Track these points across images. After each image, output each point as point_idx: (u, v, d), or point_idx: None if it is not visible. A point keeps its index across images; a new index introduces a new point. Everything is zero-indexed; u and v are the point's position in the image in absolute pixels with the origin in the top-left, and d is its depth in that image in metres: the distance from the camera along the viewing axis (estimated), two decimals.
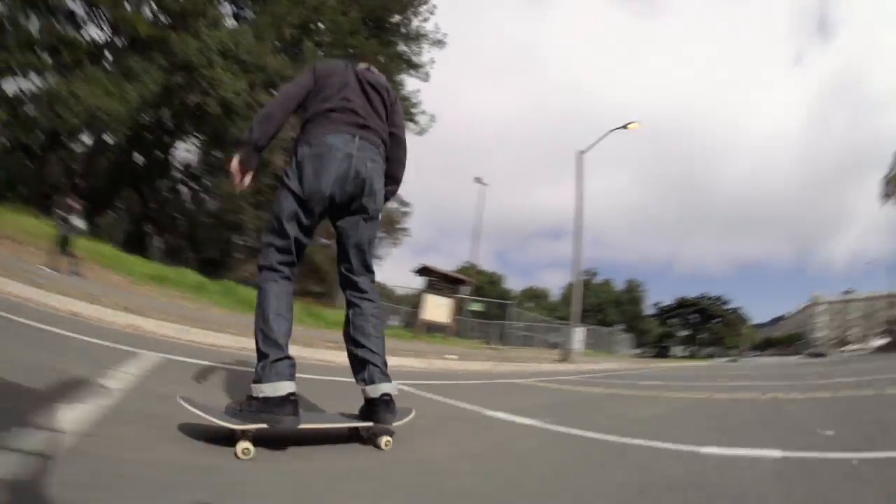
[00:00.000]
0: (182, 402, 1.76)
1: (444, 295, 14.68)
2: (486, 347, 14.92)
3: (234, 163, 2.08)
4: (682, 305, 74.24)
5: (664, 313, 74.58)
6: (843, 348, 63.02)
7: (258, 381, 1.79)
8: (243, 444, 1.64)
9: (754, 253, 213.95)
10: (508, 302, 19.82)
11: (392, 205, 29.41)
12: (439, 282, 15.29)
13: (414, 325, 15.12)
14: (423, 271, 15.18)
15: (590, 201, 16.83)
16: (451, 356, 8.75)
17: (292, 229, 2.01)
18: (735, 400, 5.34)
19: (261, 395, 1.76)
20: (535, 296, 71.10)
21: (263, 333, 1.88)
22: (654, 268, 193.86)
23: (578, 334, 17.11)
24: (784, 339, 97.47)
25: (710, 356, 58.77)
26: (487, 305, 19.94)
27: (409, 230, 31.38)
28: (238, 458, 1.62)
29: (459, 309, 17.81)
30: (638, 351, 43.07)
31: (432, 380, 5.49)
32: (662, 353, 59.88)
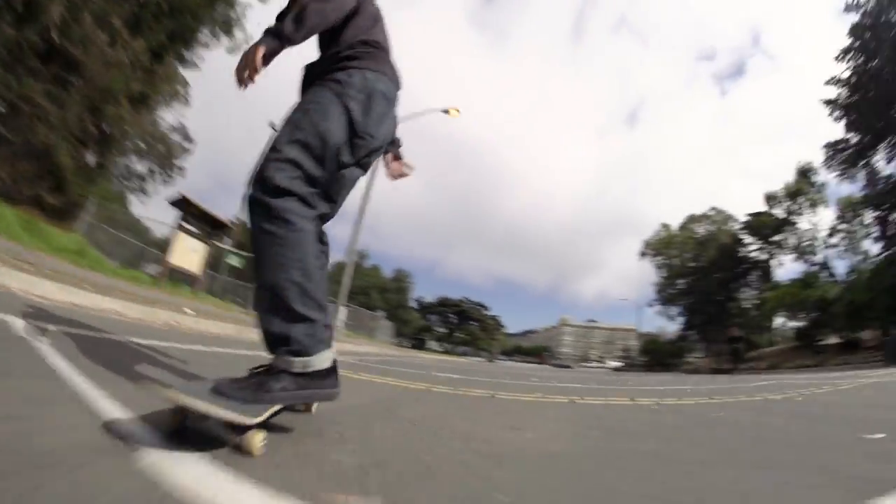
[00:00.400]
0: (156, 387, 1.28)
1: (199, 239, 12.35)
2: (240, 311, 13.20)
3: (259, 55, 1.47)
4: (445, 304, 79.95)
5: (426, 308, 79.42)
6: (583, 364, 76.52)
7: (302, 352, 1.37)
8: (260, 435, 1.21)
9: (516, 274, 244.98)
10: None
11: (175, 137, 25.23)
12: (197, 220, 12.47)
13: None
14: (181, 203, 12.25)
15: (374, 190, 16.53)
16: (188, 310, 7.15)
17: (332, 162, 1.51)
18: (624, 406, 4.24)
19: (309, 370, 1.38)
20: None
21: (302, 289, 1.38)
22: (420, 265, 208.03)
23: (342, 313, 16.88)
24: (533, 350, 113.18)
25: (465, 354, 64.68)
26: (248, 264, 16.79)
27: (186, 170, 26.70)
28: (255, 455, 1.18)
29: (215, 261, 15.55)
30: (396, 339, 44.98)
31: (140, 336, 3.60)
32: (419, 345, 63.08)
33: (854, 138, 33.43)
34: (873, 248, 33.88)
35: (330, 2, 1.56)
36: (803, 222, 41.68)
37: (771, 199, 43.69)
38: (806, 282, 36.14)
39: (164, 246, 13.49)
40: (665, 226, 57.74)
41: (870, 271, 30.04)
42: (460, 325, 79.36)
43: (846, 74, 32.60)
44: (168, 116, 23.03)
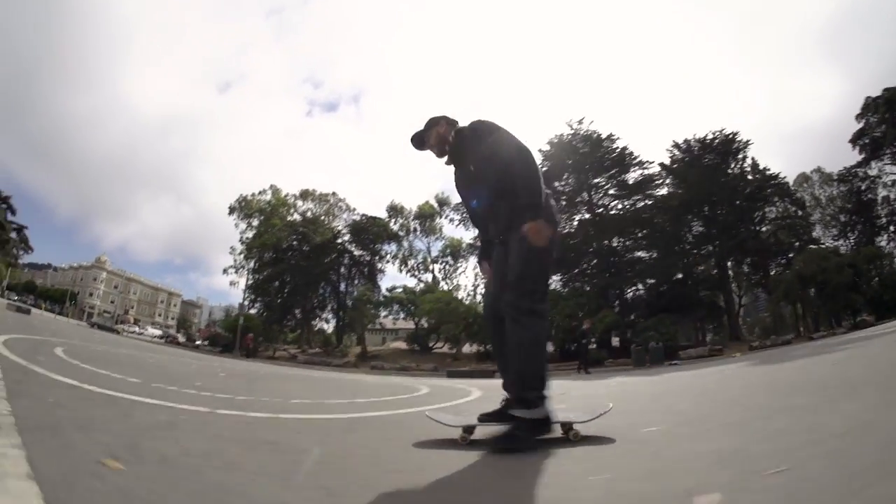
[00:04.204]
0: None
1: None
2: None
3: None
4: None
5: None
6: (122, 326, 55.98)
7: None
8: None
9: (42, 188, 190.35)
10: None
11: None
12: None
13: None
14: None
15: None
16: None
17: None
18: None
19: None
20: None
21: (545, 373, 2.27)
22: None
23: None
24: (55, 294, 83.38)
25: None
26: None
27: None
28: None
29: None
30: None
31: None
32: None
33: None
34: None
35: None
36: (418, 243, 47.58)
37: (394, 210, 48.13)
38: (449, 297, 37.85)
39: None
40: (275, 189, 51.58)
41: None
42: None
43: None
44: None
